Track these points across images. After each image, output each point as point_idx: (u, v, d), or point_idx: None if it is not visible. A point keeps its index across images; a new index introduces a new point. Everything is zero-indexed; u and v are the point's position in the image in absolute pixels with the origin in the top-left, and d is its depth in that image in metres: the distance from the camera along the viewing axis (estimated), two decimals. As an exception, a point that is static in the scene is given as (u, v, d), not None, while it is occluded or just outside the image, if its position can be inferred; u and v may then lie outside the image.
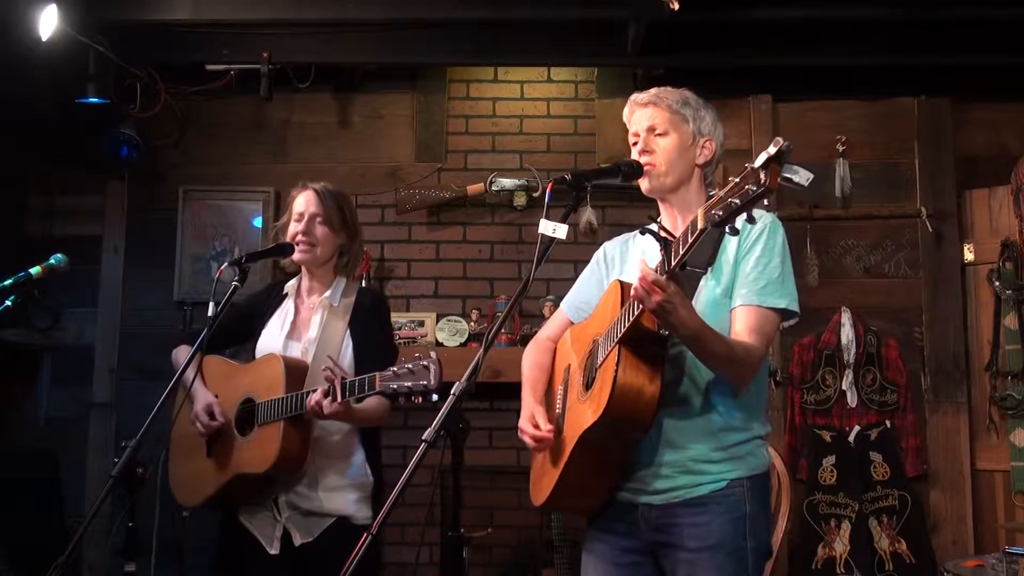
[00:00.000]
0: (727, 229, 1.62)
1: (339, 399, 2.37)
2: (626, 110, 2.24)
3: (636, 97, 2.21)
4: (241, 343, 2.83)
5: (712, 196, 1.65)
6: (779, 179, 1.56)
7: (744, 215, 1.59)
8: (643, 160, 2.15)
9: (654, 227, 1.79)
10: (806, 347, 4.40)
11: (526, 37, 4.36)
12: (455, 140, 4.67)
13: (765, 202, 1.59)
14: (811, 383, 4.39)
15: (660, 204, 2.23)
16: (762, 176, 1.55)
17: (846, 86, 4.57)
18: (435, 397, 2.23)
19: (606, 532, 2.15)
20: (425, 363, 2.23)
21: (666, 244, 1.79)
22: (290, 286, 2.78)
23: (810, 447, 4.33)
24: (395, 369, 2.27)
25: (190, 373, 2.70)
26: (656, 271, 1.80)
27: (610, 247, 2.36)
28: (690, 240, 1.70)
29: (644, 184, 2.17)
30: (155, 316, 4.51)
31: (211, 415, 2.64)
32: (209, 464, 2.70)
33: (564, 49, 4.38)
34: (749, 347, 1.97)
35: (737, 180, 1.59)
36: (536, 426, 2.12)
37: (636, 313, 1.84)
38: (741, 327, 2.01)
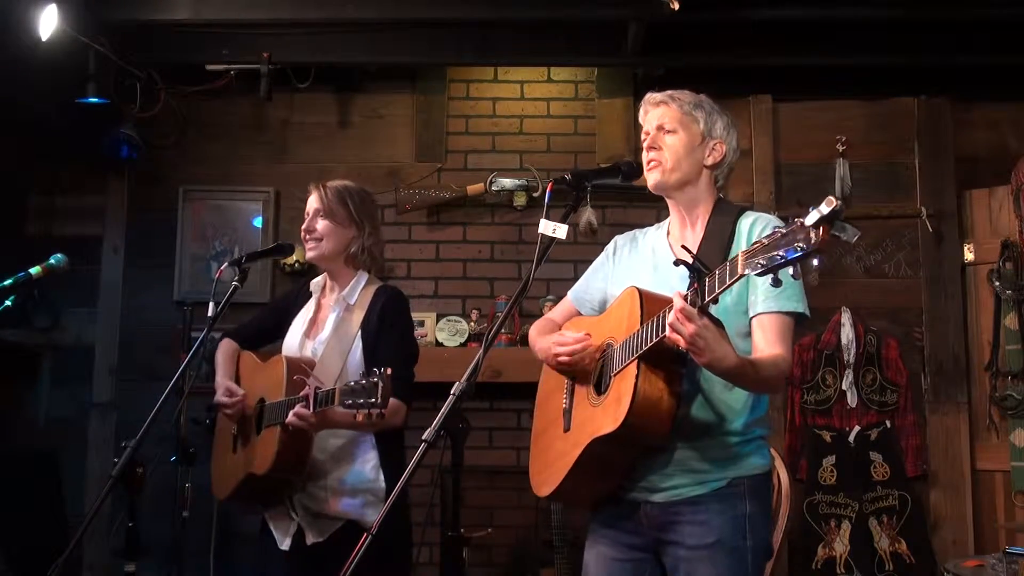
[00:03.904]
0: (770, 280, 1.60)
1: (312, 409, 2.38)
2: (640, 110, 2.24)
3: (650, 96, 2.22)
4: (274, 340, 2.88)
5: (756, 242, 1.64)
6: (828, 237, 1.53)
7: (790, 269, 1.57)
8: (649, 156, 2.16)
9: (687, 258, 1.78)
10: (806, 347, 4.40)
11: (526, 37, 4.36)
12: (455, 140, 4.67)
13: (815, 262, 1.56)
14: (811, 383, 4.39)
15: (668, 201, 2.23)
16: (812, 235, 1.52)
17: (846, 86, 4.58)
18: (382, 413, 2.22)
19: (609, 529, 2.15)
20: (375, 379, 2.22)
21: (699, 277, 1.77)
22: (315, 284, 2.79)
23: (810, 447, 4.33)
24: (352, 384, 2.27)
25: (221, 365, 2.78)
26: (686, 300, 1.79)
27: (621, 241, 2.35)
28: (728, 282, 1.71)
29: (649, 180, 2.17)
30: (155, 316, 4.50)
31: (230, 393, 2.67)
32: (233, 460, 2.74)
33: (564, 49, 4.38)
34: (778, 360, 1.99)
35: (785, 233, 1.57)
36: (576, 338, 2.09)
37: (660, 333, 1.83)
38: (767, 336, 2.02)
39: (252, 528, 2.81)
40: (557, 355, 2.11)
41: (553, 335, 2.18)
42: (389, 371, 2.23)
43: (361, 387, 2.24)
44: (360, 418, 2.26)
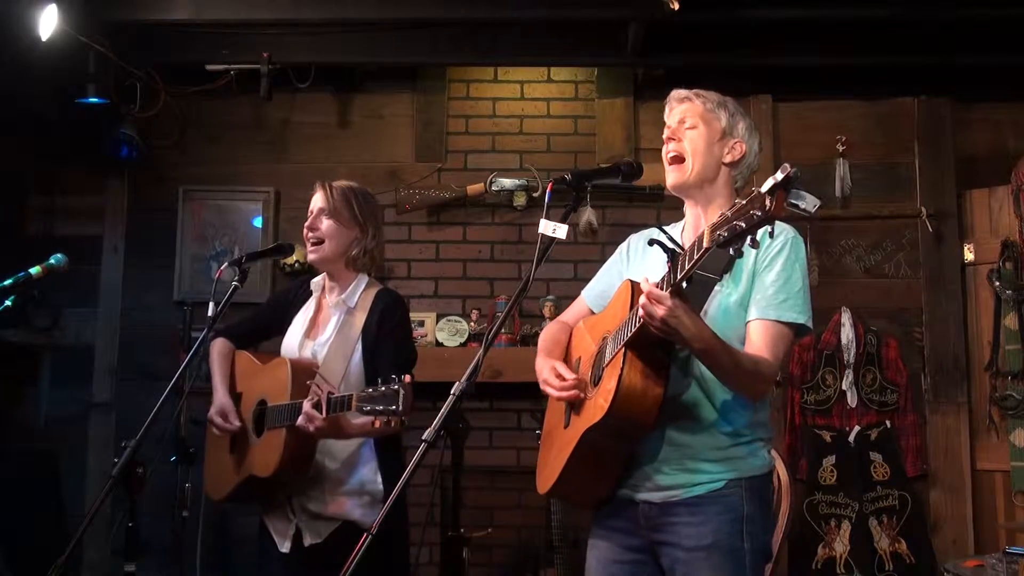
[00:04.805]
0: (731, 251, 1.62)
1: (324, 414, 2.36)
2: (665, 108, 2.24)
3: (676, 93, 2.22)
4: (269, 338, 2.87)
5: (721, 215, 1.65)
6: (785, 205, 1.55)
7: (748, 239, 1.59)
8: (669, 147, 2.16)
9: (662, 238, 1.79)
10: (806, 347, 4.40)
11: (526, 37, 4.36)
12: (455, 140, 4.67)
13: (769, 229, 1.58)
14: (811, 383, 4.39)
15: (685, 201, 2.23)
16: (767, 202, 1.54)
17: (846, 86, 4.57)
18: (404, 420, 2.21)
19: (609, 530, 2.15)
20: (395, 387, 2.20)
21: (673, 257, 1.79)
22: (315, 283, 2.78)
23: (810, 447, 4.33)
24: (371, 391, 2.26)
25: (217, 370, 2.76)
26: (661, 285, 1.80)
27: (634, 240, 2.35)
28: (695, 257, 1.71)
29: (669, 179, 2.17)
30: (155, 316, 4.51)
31: (224, 418, 2.66)
32: (230, 461, 2.73)
33: (564, 49, 4.38)
34: (760, 361, 1.97)
35: (744, 203, 1.59)
36: (560, 376, 2.10)
37: (641, 321, 1.84)
38: (756, 341, 2.00)
39: (249, 529, 2.81)
40: (549, 394, 2.13)
41: (551, 362, 2.17)
42: (408, 379, 2.21)
43: (381, 394, 2.22)
44: (378, 424, 2.24)
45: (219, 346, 2.85)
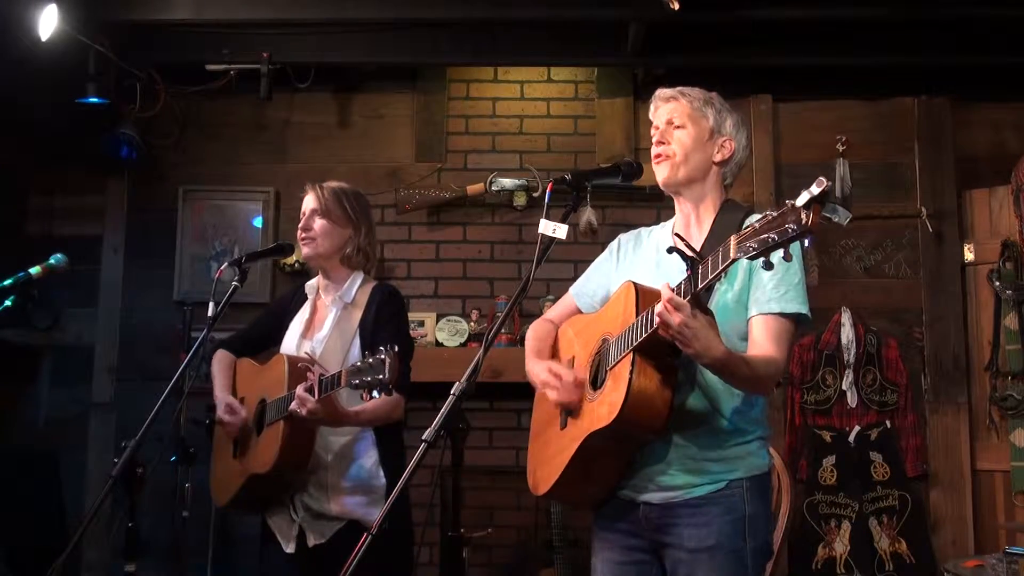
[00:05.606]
0: (762, 263, 1.61)
1: (317, 396, 2.37)
2: (651, 107, 2.24)
3: (660, 92, 2.22)
4: (269, 346, 2.88)
5: (747, 227, 1.64)
6: (819, 218, 1.54)
7: (781, 251, 1.58)
8: (658, 150, 2.15)
9: (680, 244, 1.78)
10: (806, 347, 4.40)
11: (526, 37, 4.36)
12: (455, 140, 4.67)
13: (806, 242, 1.56)
14: (811, 383, 4.39)
15: (675, 199, 2.22)
16: (803, 216, 1.53)
17: (846, 86, 4.58)
18: (391, 388, 2.21)
19: (611, 532, 2.15)
20: (381, 356, 2.20)
21: (693, 265, 1.78)
22: (310, 286, 2.80)
23: (810, 447, 4.33)
24: (359, 364, 2.27)
25: (219, 378, 2.78)
26: (678, 291, 1.79)
27: (624, 239, 2.35)
28: (720, 267, 1.70)
29: (658, 175, 2.17)
30: (155, 316, 4.50)
31: (231, 412, 2.68)
32: (234, 465, 2.74)
33: (564, 49, 4.39)
34: (770, 361, 1.97)
35: (776, 215, 1.58)
36: (558, 375, 2.08)
37: (653, 326, 1.83)
38: (762, 337, 2.00)
39: (252, 529, 2.81)
40: (550, 397, 2.12)
41: (546, 363, 2.16)
42: (396, 348, 2.21)
43: (368, 365, 2.22)
44: (365, 398, 2.25)
45: (220, 356, 2.87)
